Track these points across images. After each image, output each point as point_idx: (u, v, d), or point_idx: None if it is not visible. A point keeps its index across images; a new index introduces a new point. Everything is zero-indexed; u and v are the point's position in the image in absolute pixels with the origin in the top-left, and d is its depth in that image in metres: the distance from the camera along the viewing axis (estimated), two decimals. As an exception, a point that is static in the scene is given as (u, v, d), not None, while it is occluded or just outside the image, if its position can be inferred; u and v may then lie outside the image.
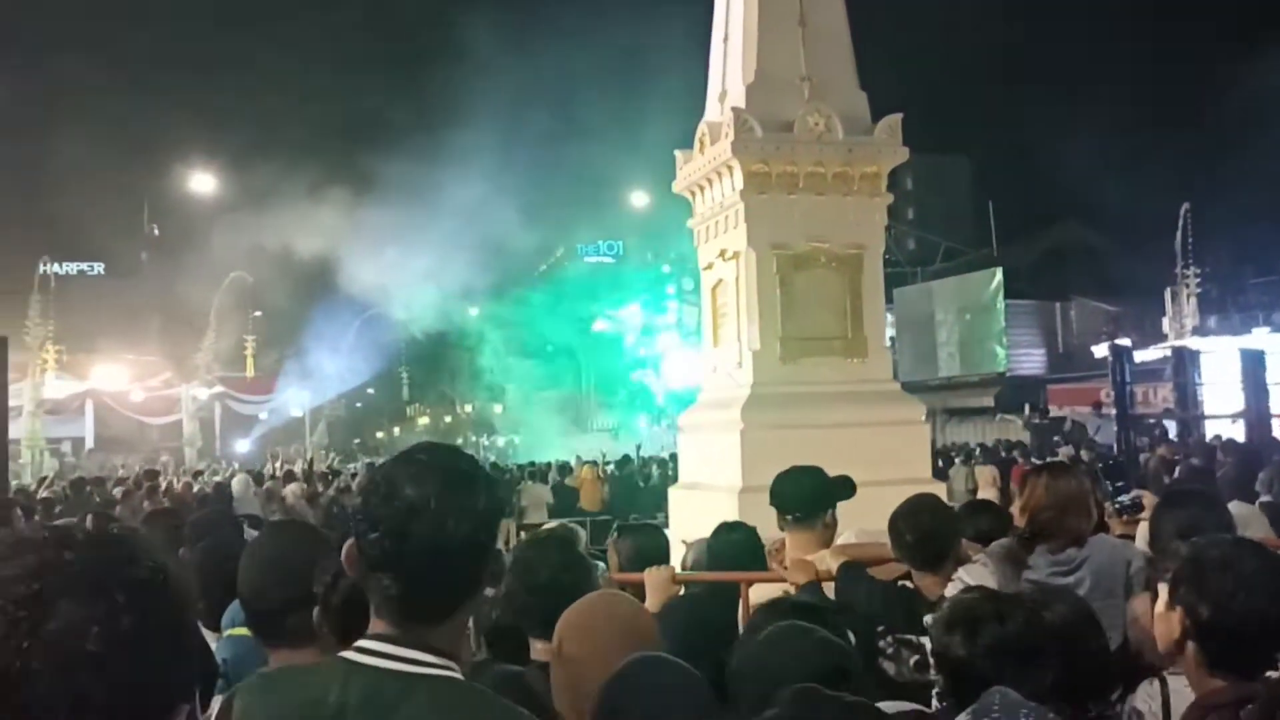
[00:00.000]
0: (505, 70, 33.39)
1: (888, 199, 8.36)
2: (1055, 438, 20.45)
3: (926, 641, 2.73)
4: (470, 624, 2.31)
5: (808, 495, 4.15)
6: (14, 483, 16.37)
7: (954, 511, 4.16)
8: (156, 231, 47.71)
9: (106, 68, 46.89)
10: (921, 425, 8.32)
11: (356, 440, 49.58)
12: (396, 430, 55.34)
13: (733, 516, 5.02)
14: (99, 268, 48.72)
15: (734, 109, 7.97)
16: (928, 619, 2.67)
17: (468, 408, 52.92)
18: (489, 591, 1.74)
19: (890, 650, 3.31)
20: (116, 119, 43.73)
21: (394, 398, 56.22)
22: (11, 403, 15.12)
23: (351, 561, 1.68)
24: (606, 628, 2.32)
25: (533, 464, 22.19)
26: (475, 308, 40.26)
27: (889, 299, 11.57)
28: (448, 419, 54.90)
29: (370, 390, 54.29)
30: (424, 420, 56.47)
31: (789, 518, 4.15)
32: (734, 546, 4.31)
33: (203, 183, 42.99)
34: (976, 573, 3.47)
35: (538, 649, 2.62)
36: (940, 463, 15.43)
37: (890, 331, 18.96)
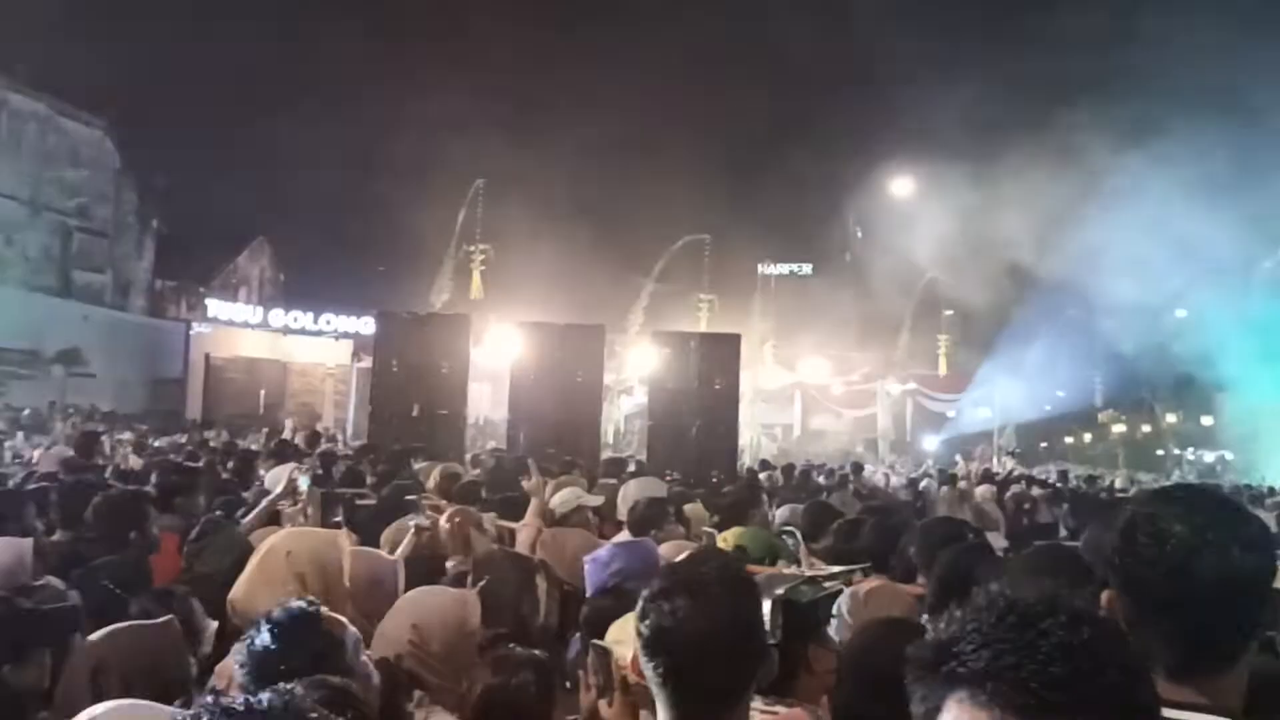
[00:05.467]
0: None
1: None
2: None
3: None
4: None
5: None
6: (743, 461, 18.61)
7: None
8: (859, 234, 50.71)
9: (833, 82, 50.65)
10: None
11: (1044, 444, 48.24)
12: (1087, 436, 52.77)
13: None
14: (807, 268, 52.89)
15: None
16: None
17: (1170, 417, 48.64)
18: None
19: None
20: (826, 124, 47.19)
21: (1084, 402, 53.64)
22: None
23: (1113, 610, 1.65)
24: None
25: (1249, 486, 19.85)
26: (1183, 310, 36.85)
27: None
28: (1145, 428, 51.05)
29: (1060, 393, 52.36)
30: (1119, 428, 53.09)
31: None
32: None
33: (902, 186, 44.81)
34: None
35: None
36: None
37: None
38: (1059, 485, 18.64)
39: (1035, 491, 15.99)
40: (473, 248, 35.03)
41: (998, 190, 32.98)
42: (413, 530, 5.26)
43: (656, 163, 38.14)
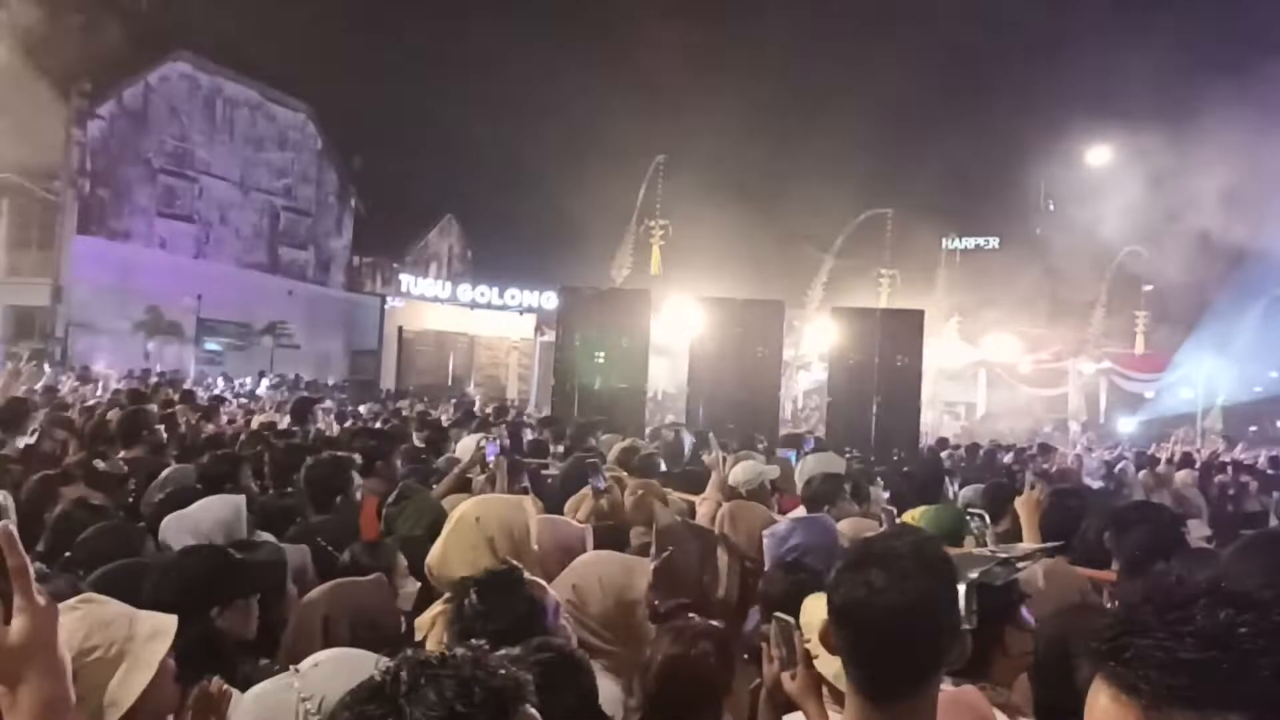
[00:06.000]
0: None
1: None
2: None
3: None
4: None
5: None
6: (923, 439, 18.21)
7: None
8: (1050, 205, 48.57)
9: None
10: None
11: (1253, 428, 45.20)
12: (1301, 418, 49.12)
13: None
14: (994, 242, 51.06)
15: None
16: None
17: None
18: None
19: None
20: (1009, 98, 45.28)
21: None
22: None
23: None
24: None
25: None
26: None
27: None
28: (1370, 410, 47.12)
29: (1273, 374, 48.89)
30: (1337, 409, 49.16)
31: None
32: None
33: (1097, 155, 42.62)
34: None
35: None
36: None
37: None
38: (1270, 472, 17.46)
39: (1243, 478, 15.05)
40: (653, 223, 35.31)
41: (1200, 156, 30.93)
42: (590, 493, 5.41)
43: (836, 136, 37.52)
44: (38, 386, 13.48)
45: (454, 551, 2.91)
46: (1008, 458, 16.82)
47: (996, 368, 39.42)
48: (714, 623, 2.87)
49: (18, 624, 1.35)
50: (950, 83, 46.30)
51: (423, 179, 43.83)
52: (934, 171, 42.23)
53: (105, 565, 3.46)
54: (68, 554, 3.92)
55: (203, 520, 3.92)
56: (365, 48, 42.83)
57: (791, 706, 2.47)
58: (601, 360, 15.92)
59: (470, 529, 2.95)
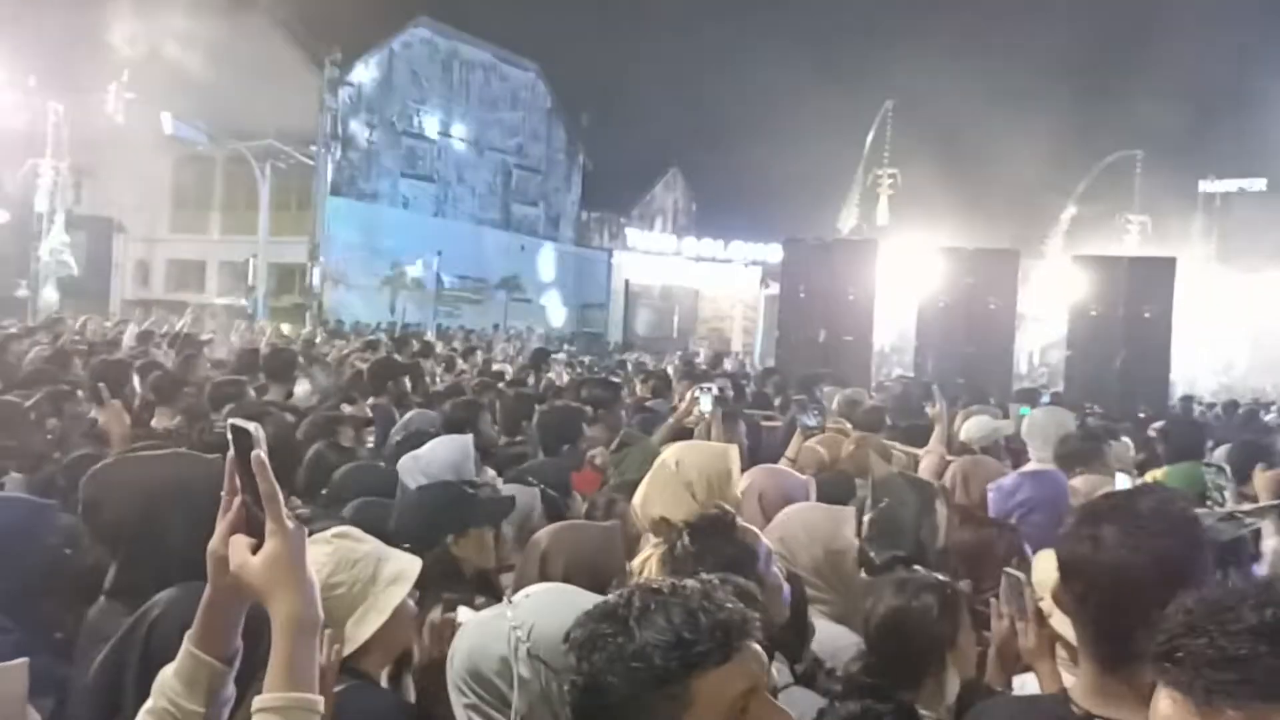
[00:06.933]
0: None
1: None
2: None
3: None
4: None
5: None
6: (1172, 396, 17.02)
7: None
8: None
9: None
10: None
11: None
12: None
13: None
14: (1260, 183, 46.99)
15: None
16: None
17: None
18: None
19: None
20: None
21: None
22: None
23: None
24: None
25: None
26: None
27: None
28: None
29: None
30: None
31: None
32: None
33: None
34: None
35: None
36: None
37: None
38: None
39: None
40: (880, 171, 34.41)
41: None
42: (800, 432, 5.39)
43: (1080, 74, 35.29)
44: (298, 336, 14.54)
45: (654, 495, 2.98)
46: (1269, 416, 15.56)
47: (1261, 320, 36.33)
48: (939, 576, 2.81)
49: (270, 545, 1.47)
50: (1205, 6, 42.60)
51: (648, 134, 44.33)
52: (1190, 111, 39.16)
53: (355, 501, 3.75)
54: (324, 490, 4.25)
55: (433, 461, 4.14)
56: (590, 5, 43.51)
57: (1023, 666, 2.39)
58: (825, 312, 15.72)
59: (669, 474, 3.00)
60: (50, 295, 26.17)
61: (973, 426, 6.07)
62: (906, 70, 36.15)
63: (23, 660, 1.60)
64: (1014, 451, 6.34)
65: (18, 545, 2.68)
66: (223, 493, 1.51)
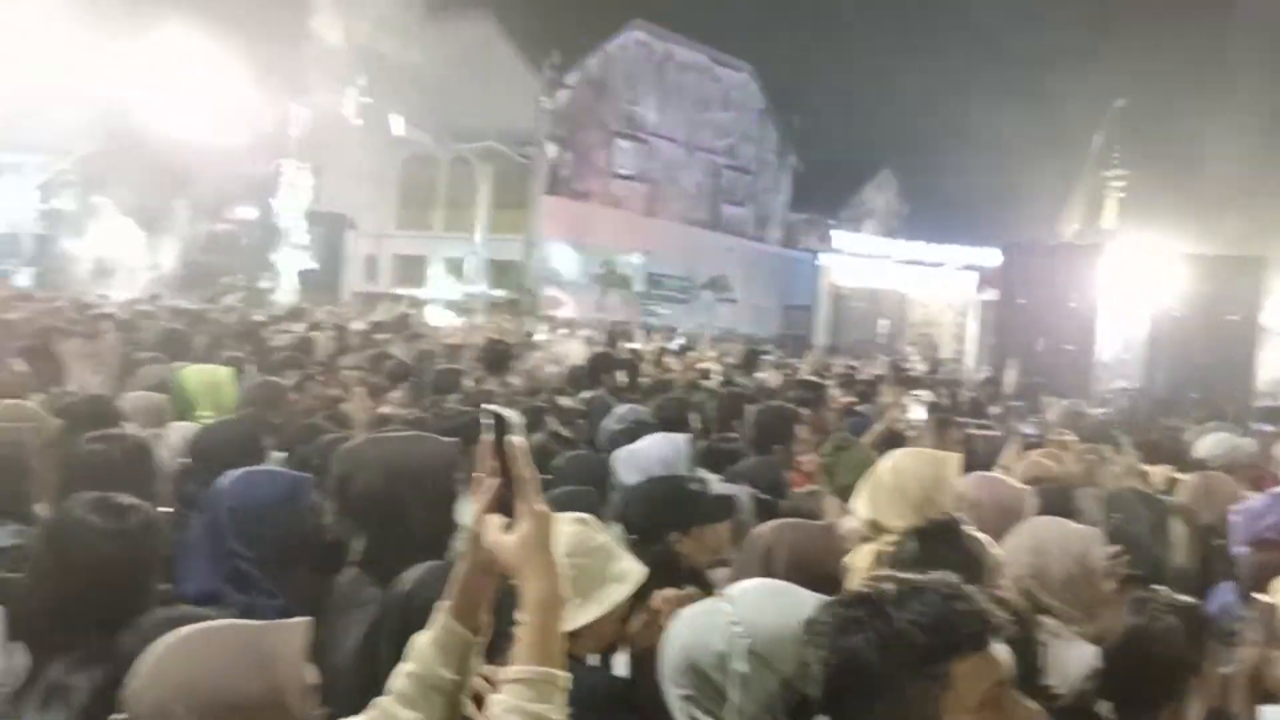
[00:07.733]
0: None
1: None
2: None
3: None
4: None
5: None
6: None
7: None
8: None
9: None
10: None
11: None
12: None
13: None
14: None
15: None
16: None
17: None
18: None
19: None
20: None
21: None
22: None
23: None
24: None
25: None
26: None
27: None
28: None
29: None
30: None
31: None
32: None
33: None
34: None
35: None
36: None
37: None
38: None
39: None
40: (1109, 173, 32.63)
41: None
42: (1018, 441, 5.22)
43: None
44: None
45: (871, 498, 2.97)
46: None
47: None
48: (1184, 597, 2.68)
49: (523, 526, 1.57)
50: None
51: (860, 134, 43.58)
52: None
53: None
54: (546, 477, 4.43)
55: (647, 456, 4.22)
56: (805, 5, 43.17)
57: (1273, 697, 2.27)
58: (1045, 319, 15.10)
59: (887, 479, 2.99)
60: (290, 286, 27.99)
61: (1210, 443, 5.71)
62: (1134, 67, 34.05)
63: (306, 619, 1.75)
64: (1253, 477, 5.94)
65: (283, 516, 2.91)
66: (474, 474, 1.62)
